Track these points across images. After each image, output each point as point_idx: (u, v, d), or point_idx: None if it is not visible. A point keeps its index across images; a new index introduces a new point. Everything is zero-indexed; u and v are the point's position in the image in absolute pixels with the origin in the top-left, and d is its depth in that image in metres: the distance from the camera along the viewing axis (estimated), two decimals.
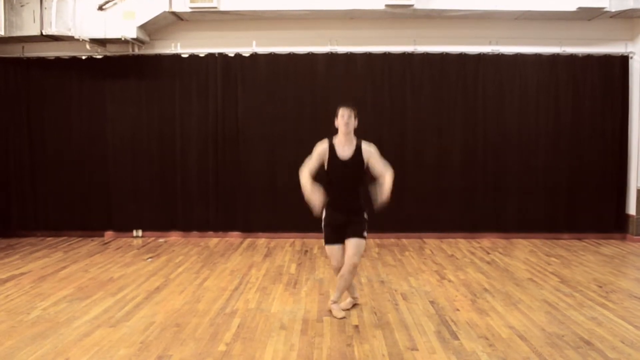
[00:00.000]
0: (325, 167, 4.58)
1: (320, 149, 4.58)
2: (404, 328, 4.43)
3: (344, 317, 4.67)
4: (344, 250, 4.64)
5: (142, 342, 4.13)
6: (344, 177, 4.56)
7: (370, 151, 4.56)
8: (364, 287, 5.64)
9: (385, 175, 4.46)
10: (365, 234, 4.63)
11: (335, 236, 4.65)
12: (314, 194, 4.34)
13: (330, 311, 4.78)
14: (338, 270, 4.71)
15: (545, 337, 4.21)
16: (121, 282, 5.85)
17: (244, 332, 4.35)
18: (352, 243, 4.58)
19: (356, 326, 4.48)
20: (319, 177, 4.57)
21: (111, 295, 5.37)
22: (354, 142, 4.57)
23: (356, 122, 4.58)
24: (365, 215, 4.66)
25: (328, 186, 4.55)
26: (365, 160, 4.53)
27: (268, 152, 8.16)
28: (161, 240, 8.14)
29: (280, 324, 4.52)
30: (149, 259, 6.90)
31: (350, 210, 4.60)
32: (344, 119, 4.50)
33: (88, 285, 5.70)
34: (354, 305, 4.97)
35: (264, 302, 5.12)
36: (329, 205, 4.58)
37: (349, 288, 4.86)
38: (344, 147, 4.54)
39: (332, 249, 4.69)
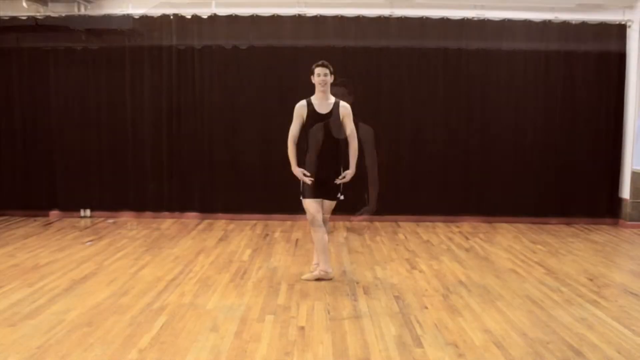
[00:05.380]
0: (304, 123, 4.71)
1: (299, 108, 4.72)
2: (359, 331, 3.71)
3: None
4: (321, 204, 4.79)
5: (39, 347, 3.40)
6: (324, 132, 4.68)
7: (345, 107, 4.73)
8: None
9: (350, 145, 4.70)
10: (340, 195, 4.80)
11: (316, 192, 4.72)
12: (297, 169, 4.67)
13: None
14: (319, 218, 4.74)
15: (526, 345, 3.51)
16: (46, 269, 5.12)
17: (165, 334, 3.62)
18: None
19: (302, 328, 3.76)
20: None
21: (28, 285, 4.64)
22: (331, 98, 4.74)
23: (332, 78, 4.72)
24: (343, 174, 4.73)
25: (309, 143, 4.72)
26: (342, 115, 4.70)
27: (230, 125, 7.44)
28: (110, 220, 7.41)
29: (212, 325, 3.79)
30: (89, 243, 6.18)
31: (330, 168, 4.71)
32: (320, 77, 4.66)
33: (6, 273, 4.97)
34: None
35: (201, 296, 4.40)
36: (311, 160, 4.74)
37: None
38: (322, 103, 4.70)
39: (312, 203, 4.75)
